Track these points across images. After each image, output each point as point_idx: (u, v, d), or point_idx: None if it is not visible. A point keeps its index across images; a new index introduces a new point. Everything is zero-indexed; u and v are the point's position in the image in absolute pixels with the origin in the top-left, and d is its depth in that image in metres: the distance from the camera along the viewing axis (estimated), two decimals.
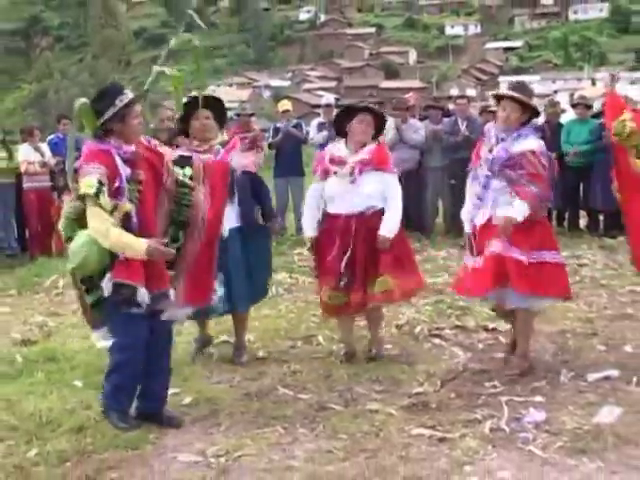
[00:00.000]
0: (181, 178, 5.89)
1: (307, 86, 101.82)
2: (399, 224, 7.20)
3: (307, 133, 15.04)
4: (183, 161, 5.99)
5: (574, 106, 15.00)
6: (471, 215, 7.01)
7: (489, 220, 6.75)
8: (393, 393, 6.56)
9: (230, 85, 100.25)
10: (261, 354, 7.77)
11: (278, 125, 15.27)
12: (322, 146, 11.94)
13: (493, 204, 6.76)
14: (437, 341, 8.03)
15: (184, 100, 6.94)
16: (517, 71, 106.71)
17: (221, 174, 6.26)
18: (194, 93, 7.03)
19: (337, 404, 6.33)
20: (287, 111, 15.53)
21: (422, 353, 7.68)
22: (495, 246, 6.61)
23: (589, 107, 14.62)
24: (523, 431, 5.69)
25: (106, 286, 5.55)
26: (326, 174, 7.18)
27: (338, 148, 7.26)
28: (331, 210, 7.20)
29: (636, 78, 69.03)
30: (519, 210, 6.60)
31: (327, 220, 7.23)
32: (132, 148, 5.63)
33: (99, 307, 5.74)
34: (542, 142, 6.88)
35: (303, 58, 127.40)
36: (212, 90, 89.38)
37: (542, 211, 6.90)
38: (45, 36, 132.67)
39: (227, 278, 7.13)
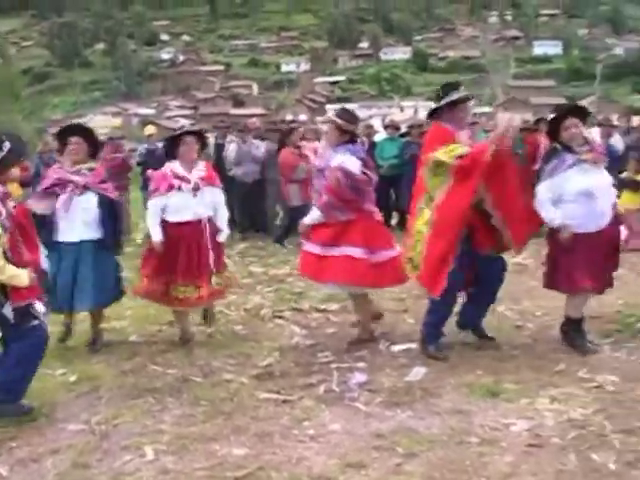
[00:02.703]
0: None
1: (168, 114, 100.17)
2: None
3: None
4: None
5: (385, 128, 15.30)
6: None
7: None
8: (244, 365, 6.53)
9: (105, 114, 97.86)
10: (134, 337, 7.62)
11: (145, 146, 15.02)
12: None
13: None
14: (279, 321, 8.03)
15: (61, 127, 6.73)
16: (341, 100, 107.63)
17: (23, 216, 5.76)
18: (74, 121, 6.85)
19: (198, 376, 6.27)
20: (151, 135, 15.31)
21: (267, 332, 7.66)
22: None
23: (397, 129, 14.95)
24: (350, 391, 5.77)
25: (9, 313, 5.32)
26: (171, 189, 7.05)
27: (176, 167, 7.16)
28: (175, 219, 7.05)
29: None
30: (312, 216, 6.84)
31: (170, 228, 7.06)
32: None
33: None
34: (351, 160, 6.79)
35: (165, 91, 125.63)
36: (90, 118, 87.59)
37: (341, 215, 6.81)
38: None
39: (72, 281, 6.95)
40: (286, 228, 12.47)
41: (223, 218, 7.32)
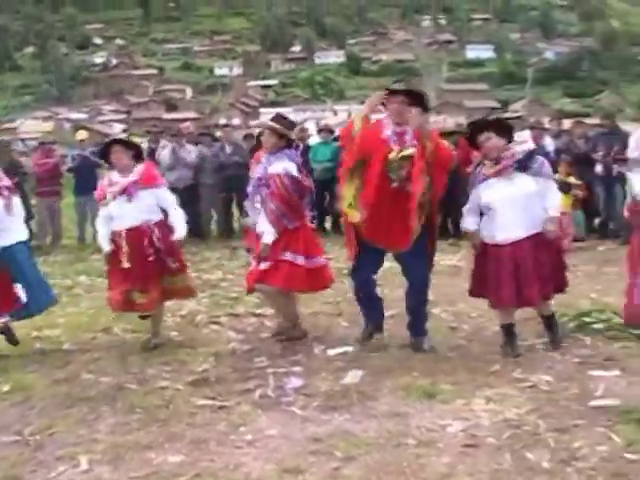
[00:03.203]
0: None
1: (101, 118, 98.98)
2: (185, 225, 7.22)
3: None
4: None
5: (319, 132, 15.35)
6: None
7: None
8: (180, 372, 6.47)
9: (36, 118, 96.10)
10: (67, 346, 7.52)
11: (77, 152, 14.86)
12: None
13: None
14: (215, 327, 8.00)
15: None
16: (274, 104, 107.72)
17: None
18: None
19: (133, 384, 6.20)
20: (84, 140, 15.17)
21: (203, 337, 7.62)
22: None
23: (331, 132, 15.02)
24: (286, 396, 5.77)
25: None
26: (103, 197, 7.06)
27: (114, 175, 7.15)
28: (117, 227, 7.06)
29: None
30: (267, 233, 6.84)
31: (114, 236, 7.08)
32: None
33: None
34: (291, 165, 6.88)
35: (98, 95, 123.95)
36: (21, 122, 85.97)
37: (289, 223, 6.90)
38: None
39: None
40: None
41: (175, 216, 7.21)
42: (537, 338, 6.96)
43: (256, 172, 7.04)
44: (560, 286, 6.68)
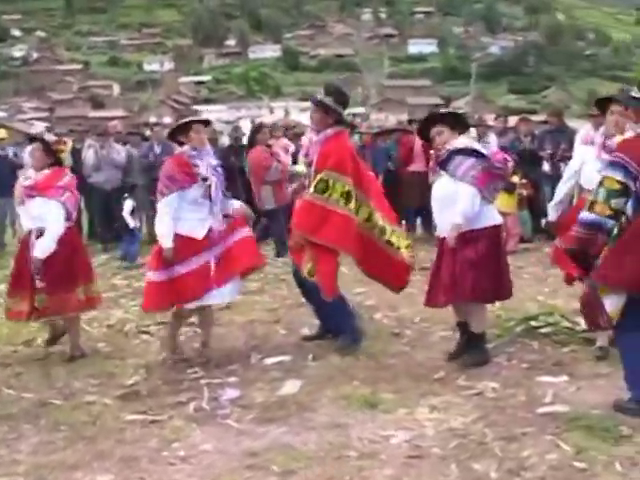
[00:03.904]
0: None
1: (22, 116, 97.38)
2: (51, 247, 6.96)
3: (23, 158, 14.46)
4: None
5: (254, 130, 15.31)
6: None
7: None
8: (108, 385, 6.41)
9: None
10: None
11: None
12: None
13: None
14: (144, 337, 7.93)
15: None
16: (207, 101, 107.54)
17: None
18: None
19: (57, 399, 6.12)
20: (3, 139, 14.90)
21: (132, 348, 7.55)
22: None
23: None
24: (221, 408, 5.75)
25: None
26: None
27: (31, 171, 7.14)
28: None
29: (305, 107, 71.16)
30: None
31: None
32: None
33: None
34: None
35: (18, 91, 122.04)
36: None
37: None
38: None
39: None
40: (264, 235, 12.33)
41: (46, 235, 6.97)
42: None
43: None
44: (473, 296, 6.45)
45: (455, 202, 6.35)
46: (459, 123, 6.69)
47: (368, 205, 6.91)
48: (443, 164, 6.50)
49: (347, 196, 6.65)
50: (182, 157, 6.87)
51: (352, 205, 6.69)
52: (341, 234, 6.68)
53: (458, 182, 6.40)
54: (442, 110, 7.52)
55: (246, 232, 7.02)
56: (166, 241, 6.64)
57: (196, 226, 6.74)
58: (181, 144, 6.98)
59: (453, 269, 6.36)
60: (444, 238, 6.47)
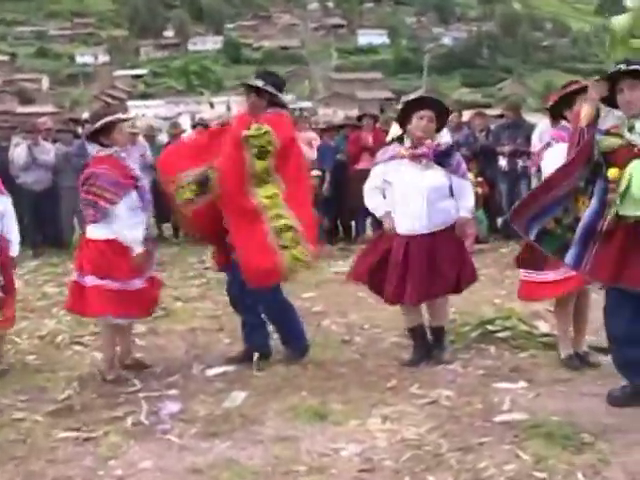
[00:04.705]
0: None
1: None
2: None
3: None
4: None
5: (194, 127, 15.27)
6: None
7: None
8: (38, 401, 6.32)
9: None
10: None
11: None
12: None
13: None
14: (78, 348, 7.85)
15: None
16: (144, 96, 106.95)
17: None
18: None
19: None
20: None
21: (65, 360, 7.47)
22: None
23: (207, 127, 14.93)
24: (161, 423, 5.70)
25: None
26: None
27: None
28: None
29: None
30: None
31: None
32: None
33: None
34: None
35: None
36: None
37: None
38: None
39: None
40: None
41: (8, 228, 7.13)
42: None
43: None
44: (456, 288, 6.82)
45: (459, 198, 6.69)
46: (443, 115, 6.87)
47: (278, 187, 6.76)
48: (441, 159, 6.65)
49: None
50: (117, 160, 6.75)
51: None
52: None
53: (459, 178, 6.72)
54: (431, 96, 7.54)
55: None
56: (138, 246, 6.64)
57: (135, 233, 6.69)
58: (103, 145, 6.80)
59: (434, 265, 6.57)
60: (425, 234, 6.59)
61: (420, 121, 6.60)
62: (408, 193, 6.59)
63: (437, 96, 8.53)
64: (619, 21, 9.39)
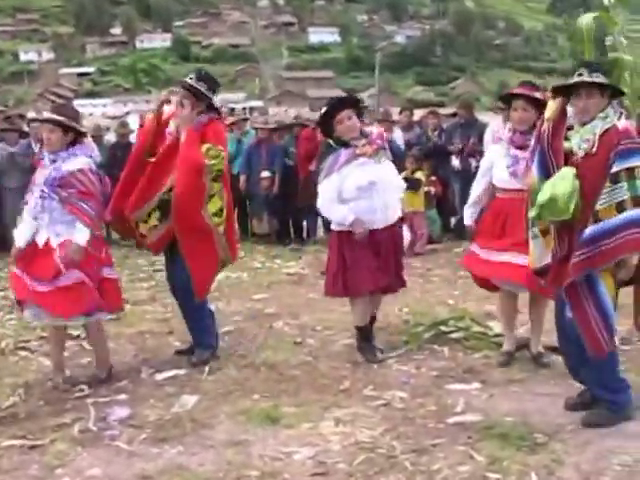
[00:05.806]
0: None
1: None
2: None
3: None
4: None
5: (141, 126, 15.18)
6: None
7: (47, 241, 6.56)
8: None
9: None
10: None
11: None
12: None
13: (50, 225, 6.51)
14: (23, 353, 7.75)
15: None
16: (91, 95, 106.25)
17: None
18: None
19: None
20: None
21: (9, 366, 7.37)
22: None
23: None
24: (110, 429, 5.67)
25: None
26: None
27: None
28: None
29: None
30: (81, 236, 6.41)
31: None
32: None
33: None
34: (90, 161, 6.59)
35: None
36: None
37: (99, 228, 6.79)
38: None
39: None
40: None
41: None
42: (390, 351, 7.12)
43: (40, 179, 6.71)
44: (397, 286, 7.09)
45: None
46: (360, 109, 7.14)
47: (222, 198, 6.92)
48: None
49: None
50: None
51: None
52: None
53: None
54: (343, 96, 7.68)
55: None
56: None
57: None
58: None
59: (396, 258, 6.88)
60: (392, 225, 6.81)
61: (347, 121, 6.72)
62: (377, 188, 6.68)
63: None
64: (586, 20, 9.46)
